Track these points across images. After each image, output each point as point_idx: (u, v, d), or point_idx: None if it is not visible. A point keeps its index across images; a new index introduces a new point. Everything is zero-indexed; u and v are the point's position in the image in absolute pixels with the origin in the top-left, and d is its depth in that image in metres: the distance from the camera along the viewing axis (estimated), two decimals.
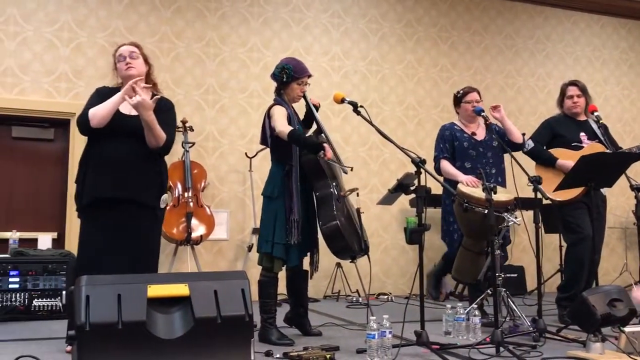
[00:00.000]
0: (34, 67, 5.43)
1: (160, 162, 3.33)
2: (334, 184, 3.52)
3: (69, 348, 3.03)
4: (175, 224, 5.22)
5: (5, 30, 5.38)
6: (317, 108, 3.78)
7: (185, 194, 5.35)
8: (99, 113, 3.12)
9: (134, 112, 3.16)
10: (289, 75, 3.53)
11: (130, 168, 3.16)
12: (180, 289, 2.36)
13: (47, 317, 4.45)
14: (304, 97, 3.69)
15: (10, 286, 4.46)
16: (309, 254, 3.67)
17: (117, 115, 3.16)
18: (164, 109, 3.28)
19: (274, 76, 3.62)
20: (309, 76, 3.63)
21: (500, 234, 3.77)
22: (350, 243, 3.42)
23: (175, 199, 5.33)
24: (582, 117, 4.51)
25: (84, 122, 3.14)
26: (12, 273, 4.49)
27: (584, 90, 4.49)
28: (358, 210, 3.67)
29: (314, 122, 3.76)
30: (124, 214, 3.16)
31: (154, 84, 3.32)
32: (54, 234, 5.32)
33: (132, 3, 5.77)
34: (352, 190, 3.58)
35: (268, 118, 3.53)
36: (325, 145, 3.33)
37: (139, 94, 3.05)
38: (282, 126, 3.39)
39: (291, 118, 3.54)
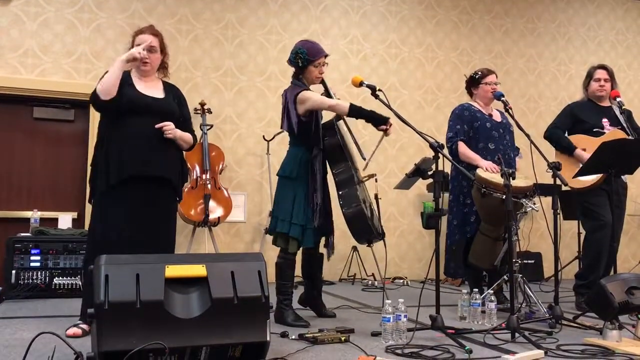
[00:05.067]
0: (54, 48, 5.47)
1: None
2: (354, 169, 3.52)
3: (70, 331, 3.05)
4: (193, 206, 5.26)
5: (26, 11, 5.41)
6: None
7: (203, 176, 5.38)
8: (105, 84, 3.09)
9: (153, 94, 3.26)
10: (304, 59, 3.49)
11: (154, 146, 3.20)
12: (198, 270, 2.39)
13: (67, 295, 4.52)
14: (323, 83, 3.68)
15: (32, 264, 4.55)
16: (324, 237, 3.69)
17: (136, 94, 3.20)
18: (184, 103, 3.44)
19: (290, 62, 3.57)
20: (326, 56, 3.57)
21: (519, 220, 3.74)
22: (372, 226, 3.44)
23: (194, 181, 5.36)
24: (606, 103, 4.43)
25: (96, 99, 3.12)
26: (33, 251, 4.58)
27: (612, 76, 4.42)
28: (376, 196, 3.68)
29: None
30: (149, 192, 3.20)
31: (164, 68, 3.42)
32: (74, 214, 5.38)
33: None
34: (370, 176, 3.58)
35: (293, 104, 3.46)
36: (389, 119, 3.37)
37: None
38: (336, 102, 3.44)
39: None
